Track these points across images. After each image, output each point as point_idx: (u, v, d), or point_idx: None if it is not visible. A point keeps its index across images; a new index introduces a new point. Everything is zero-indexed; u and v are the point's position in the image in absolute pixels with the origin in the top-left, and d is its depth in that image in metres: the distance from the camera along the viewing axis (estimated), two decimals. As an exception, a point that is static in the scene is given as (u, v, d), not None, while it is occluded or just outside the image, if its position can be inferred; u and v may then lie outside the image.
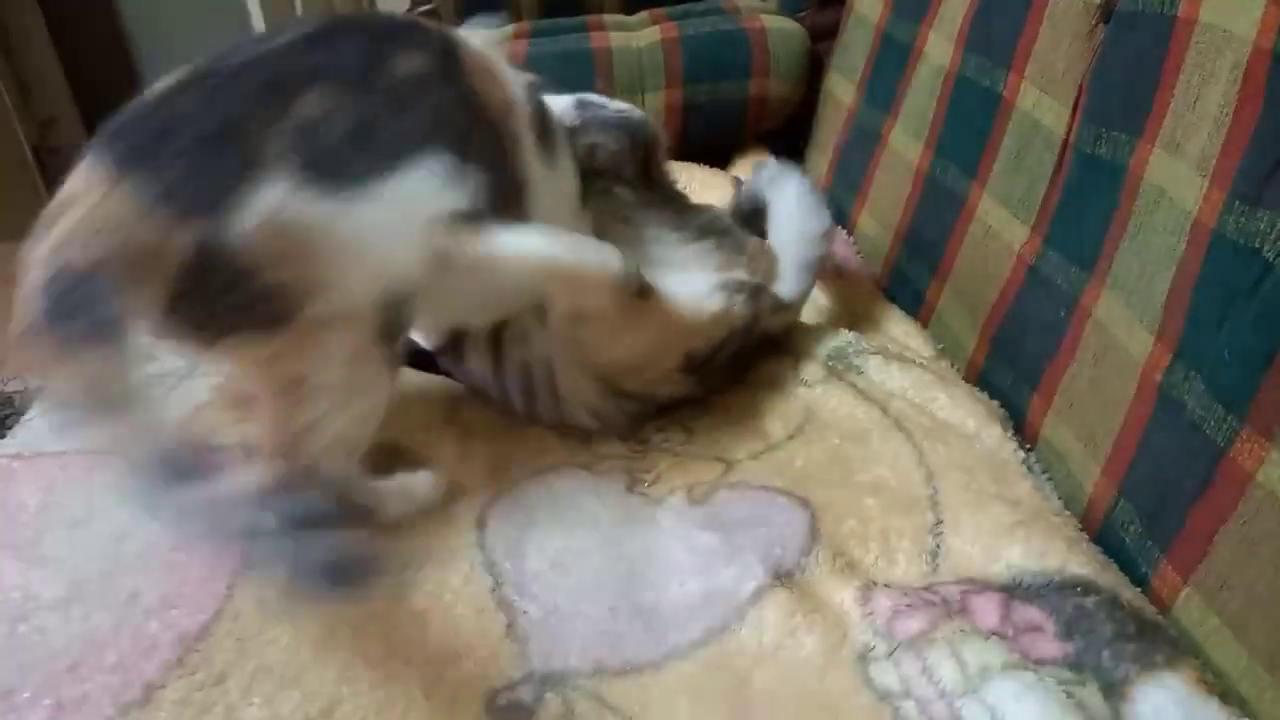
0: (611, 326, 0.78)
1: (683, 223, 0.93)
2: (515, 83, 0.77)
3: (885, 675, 0.60)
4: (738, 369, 0.92)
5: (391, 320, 0.65)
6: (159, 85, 0.63)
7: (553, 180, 0.80)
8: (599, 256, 0.74)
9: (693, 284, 0.85)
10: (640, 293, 0.77)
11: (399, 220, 0.62)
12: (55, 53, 3.63)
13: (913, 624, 0.62)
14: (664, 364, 0.84)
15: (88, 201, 0.57)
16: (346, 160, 0.60)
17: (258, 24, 3.17)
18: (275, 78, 0.62)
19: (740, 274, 0.90)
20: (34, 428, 0.89)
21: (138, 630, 0.65)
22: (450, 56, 0.70)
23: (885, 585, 0.67)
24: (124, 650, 0.64)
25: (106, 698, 0.61)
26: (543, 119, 0.80)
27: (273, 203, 0.58)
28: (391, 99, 0.64)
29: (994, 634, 0.61)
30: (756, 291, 0.89)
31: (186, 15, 4.44)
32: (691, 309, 0.83)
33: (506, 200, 0.71)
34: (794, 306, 0.98)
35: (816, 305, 1.09)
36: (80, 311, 0.55)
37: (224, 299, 0.59)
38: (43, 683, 0.62)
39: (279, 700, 0.60)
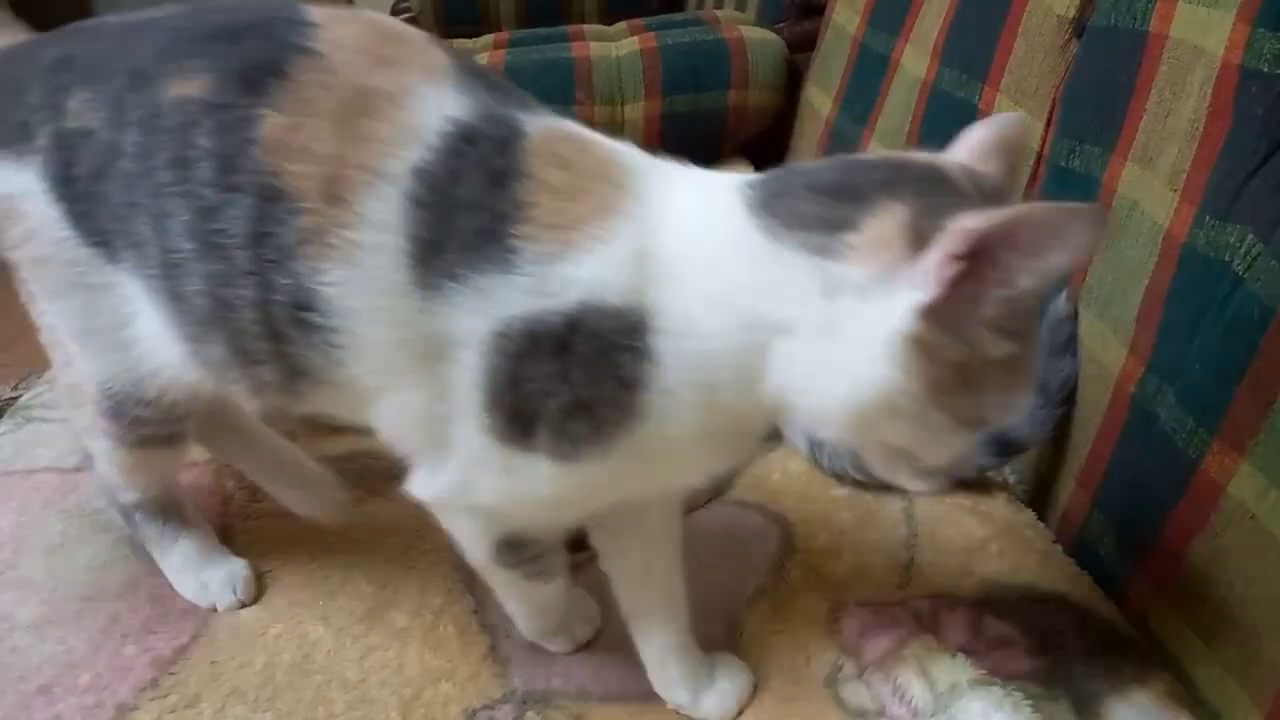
0: None
1: None
2: None
3: (857, 695, 0.60)
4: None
5: None
6: None
7: None
8: None
9: None
10: None
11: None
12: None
13: (882, 642, 0.62)
14: None
15: None
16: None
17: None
18: None
19: None
20: (2, 445, 0.88)
21: (114, 653, 0.65)
22: None
23: (855, 603, 0.67)
24: (98, 672, 0.63)
25: (78, 718, 0.60)
26: None
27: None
28: None
29: (964, 650, 0.61)
30: None
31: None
32: None
33: None
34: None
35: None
36: None
37: None
38: (15, 704, 0.61)
39: (252, 722, 0.60)
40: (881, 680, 0.60)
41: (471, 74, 0.53)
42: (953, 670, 0.58)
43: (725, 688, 0.62)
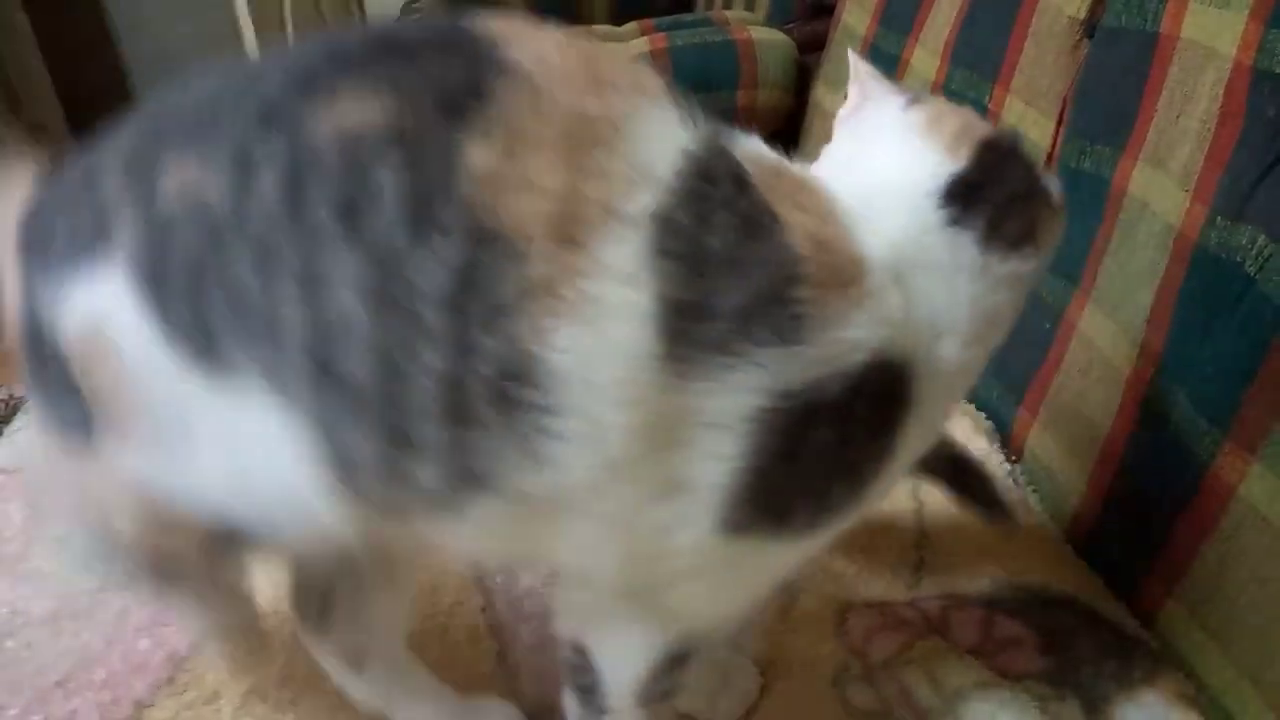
0: None
1: None
2: None
3: (864, 697, 0.60)
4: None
5: None
6: None
7: None
8: None
9: None
10: None
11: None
12: (43, 60, 3.62)
13: (887, 645, 0.62)
14: None
15: None
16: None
17: (247, 31, 3.17)
18: None
19: None
20: (18, 441, 0.89)
21: (128, 648, 0.65)
22: None
23: (864, 604, 0.67)
24: (114, 668, 0.64)
25: (95, 714, 0.61)
26: None
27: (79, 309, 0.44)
28: None
29: (974, 650, 0.61)
30: None
31: (175, 22, 4.45)
32: None
33: None
34: None
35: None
36: None
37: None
38: (31, 699, 0.62)
39: (271, 722, 0.60)
40: (888, 681, 0.60)
41: (679, 93, 0.45)
42: (959, 672, 0.58)
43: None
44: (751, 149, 0.46)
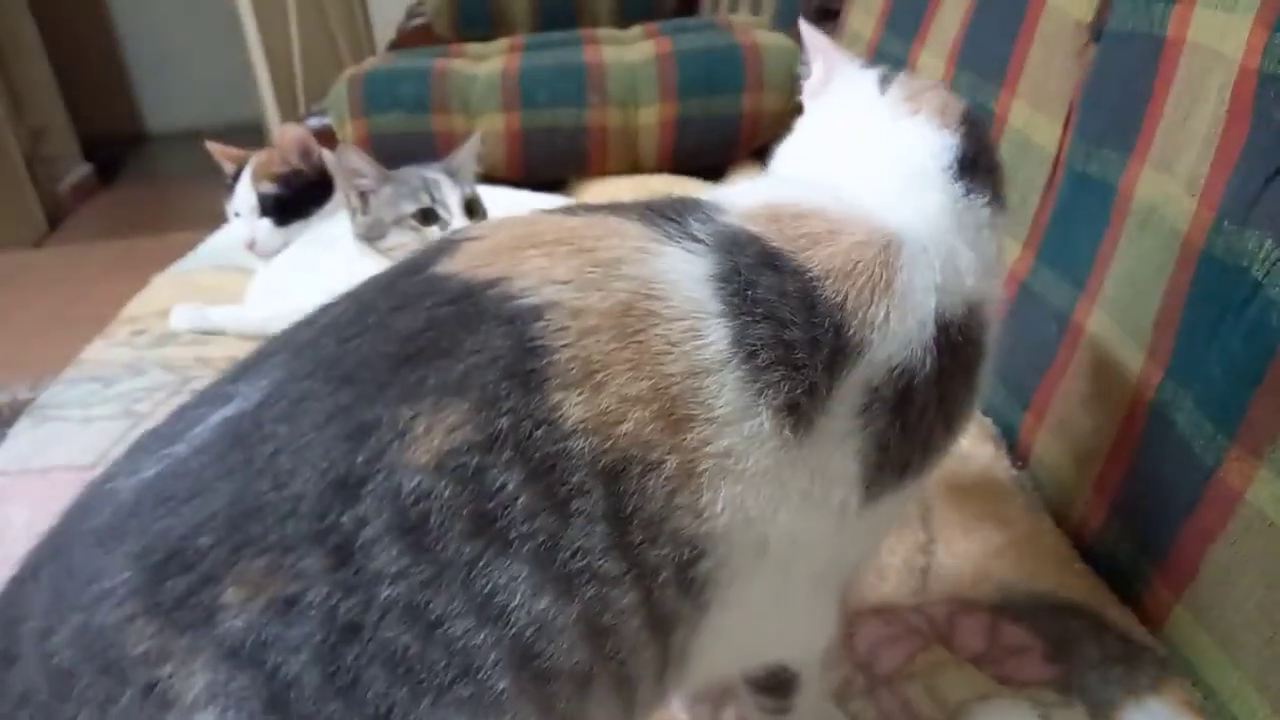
0: None
1: None
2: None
3: (866, 713, 0.60)
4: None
5: None
6: None
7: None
8: None
9: None
10: None
11: None
12: (48, 62, 3.63)
13: (891, 658, 0.62)
14: None
15: None
16: None
17: (250, 33, 3.17)
18: None
19: None
20: (20, 443, 0.89)
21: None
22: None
23: (872, 611, 0.67)
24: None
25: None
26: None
27: None
28: None
29: (980, 656, 0.61)
30: None
31: (179, 26, 4.46)
32: None
33: None
34: None
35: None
36: None
37: None
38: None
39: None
40: (890, 696, 0.60)
41: (652, 214, 0.46)
42: (962, 684, 0.58)
43: None
44: (742, 206, 0.48)
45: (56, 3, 3.88)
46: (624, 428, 0.40)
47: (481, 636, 0.37)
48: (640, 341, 0.41)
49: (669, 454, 0.40)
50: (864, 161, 0.55)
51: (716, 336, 0.42)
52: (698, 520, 0.41)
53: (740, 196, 0.49)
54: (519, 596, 0.38)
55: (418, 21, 2.47)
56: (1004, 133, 0.96)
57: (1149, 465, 0.69)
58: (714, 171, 1.58)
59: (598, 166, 1.57)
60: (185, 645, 0.35)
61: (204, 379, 0.97)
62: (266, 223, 1.19)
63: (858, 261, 0.46)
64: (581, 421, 0.39)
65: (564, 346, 0.39)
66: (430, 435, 0.37)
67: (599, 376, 0.40)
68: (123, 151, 4.31)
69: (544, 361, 0.39)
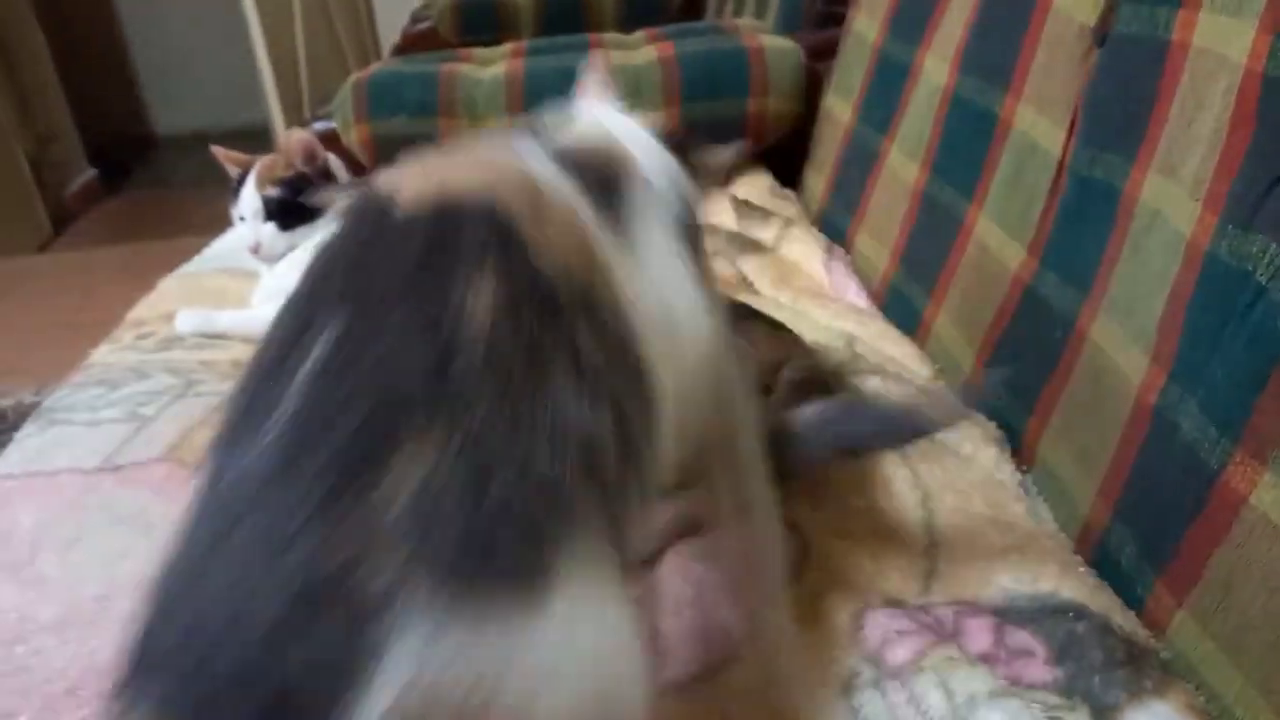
0: None
1: None
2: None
3: (873, 705, 0.60)
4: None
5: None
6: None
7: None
8: None
9: None
10: None
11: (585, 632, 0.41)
12: (55, 68, 3.65)
13: (902, 652, 0.62)
14: None
15: None
16: (484, 564, 0.38)
17: (256, 37, 3.18)
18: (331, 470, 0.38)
19: None
20: (27, 446, 0.89)
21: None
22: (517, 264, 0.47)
23: (883, 604, 0.67)
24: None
25: (106, 720, 0.60)
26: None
27: (408, 675, 0.36)
28: (500, 407, 0.42)
29: (985, 658, 0.61)
30: None
31: (185, 31, 4.48)
32: None
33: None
34: None
35: (815, 325, 1.09)
36: None
37: None
38: (42, 706, 0.62)
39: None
40: (898, 690, 0.60)
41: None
42: (972, 681, 0.58)
43: None
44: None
45: (63, 7, 3.90)
46: (572, 261, 0.49)
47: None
48: (543, 199, 0.51)
49: (595, 273, 0.50)
50: None
51: (570, 189, 0.54)
52: (624, 321, 0.50)
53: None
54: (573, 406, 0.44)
55: (422, 26, 2.48)
56: (1008, 136, 0.96)
57: (1153, 469, 0.69)
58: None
59: (602, 170, 1.57)
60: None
61: (208, 382, 0.98)
62: (271, 227, 1.19)
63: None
64: (551, 263, 0.47)
65: (515, 215, 0.48)
66: (479, 302, 0.43)
67: (541, 230, 0.48)
68: (129, 156, 4.33)
69: (513, 229, 0.47)
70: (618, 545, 0.44)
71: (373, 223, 0.49)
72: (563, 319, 0.46)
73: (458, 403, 0.40)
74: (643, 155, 0.64)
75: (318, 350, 0.41)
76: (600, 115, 0.71)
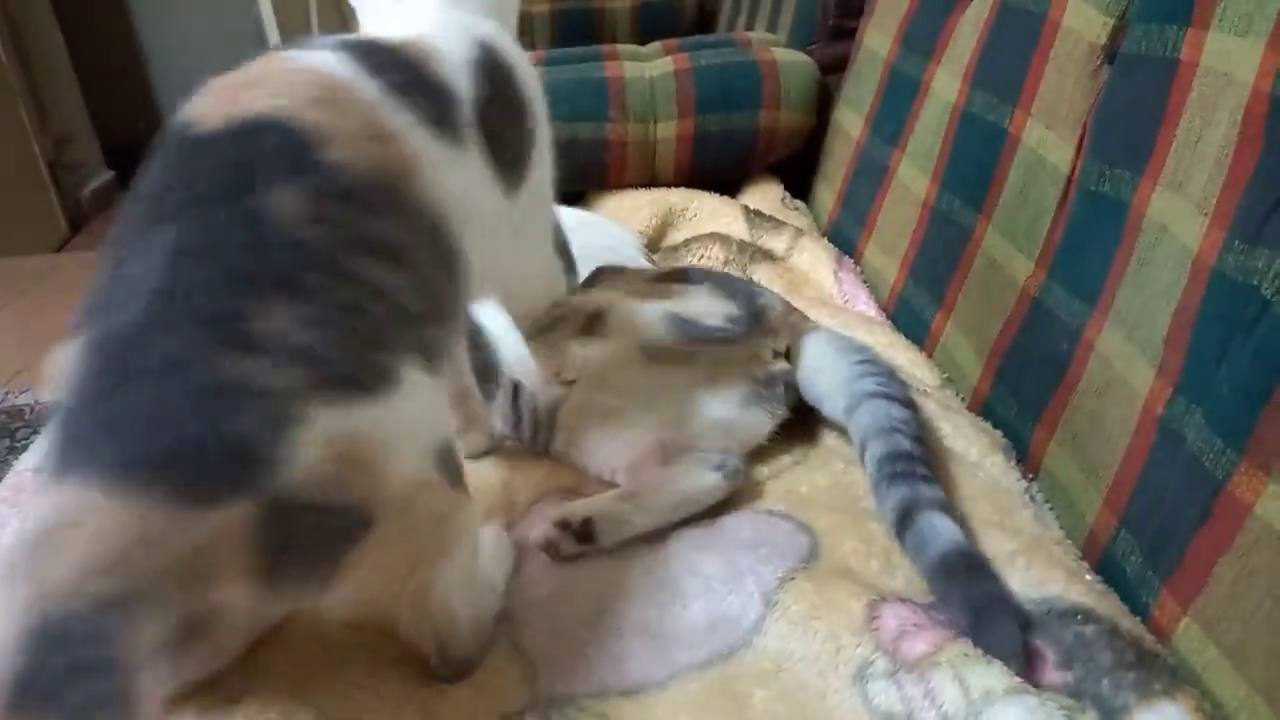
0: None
1: None
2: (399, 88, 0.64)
3: (886, 696, 0.61)
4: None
5: (448, 461, 0.61)
6: (69, 372, 0.51)
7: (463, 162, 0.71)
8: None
9: None
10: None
11: (421, 406, 0.58)
12: (72, 70, 3.68)
13: (918, 645, 0.63)
14: None
15: (85, 532, 0.45)
16: (350, 368, 0.53)
17: (272, 42, 3.22)
18: (202, 312, 0.51)
19: None
20: (38, 449, 0.91)
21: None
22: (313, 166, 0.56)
23: (898, 599, 0.68)
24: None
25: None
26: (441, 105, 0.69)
27: (319, 434, 0.50)
28: (335, 287, 0.54)
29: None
30: None
31: (202, 35, 4.51)
32: None
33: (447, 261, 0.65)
34: None
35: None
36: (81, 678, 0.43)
37: (315, 536, 0.52)
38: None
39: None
40: (914, 683, 0.61)
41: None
42: (988, 677, 0.59)
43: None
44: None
45: (81, 10, 3.93)
46: (364, 152, 0.58)
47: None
48: (337, 100, 0.59)
49: (392, 161, 0.60)
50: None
51: (370, 86, 0.62)
52: (429, 204, 0.61)
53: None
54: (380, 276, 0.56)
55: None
56: (1017, 151, 0.98)
57: (1159, 479, 0.70)
58: (731, 185, 1.60)
59: (616, 179, 1.59)
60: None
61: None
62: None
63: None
64: (343, 159, 0.56)
65: (301, 123, 0.56)
66: (288, 205, 0.54)
67: (331, 130, 0.57)
68: (146, 158, 4.35)
69: (300, 137, 0.56)
70: (429, 355, 0.59)
71: (176, 148, 0.57)
72: (357, 205, 0.57)
73: (288, 274, 0.52)
74: (452, 50, 0.71)
75: (159, 252, 0.51)
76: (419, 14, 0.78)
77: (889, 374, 0.87)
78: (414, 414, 0.57)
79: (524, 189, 0.77)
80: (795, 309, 0.97)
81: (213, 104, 0.58)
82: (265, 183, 0.54)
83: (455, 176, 0.65)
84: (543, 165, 0.82)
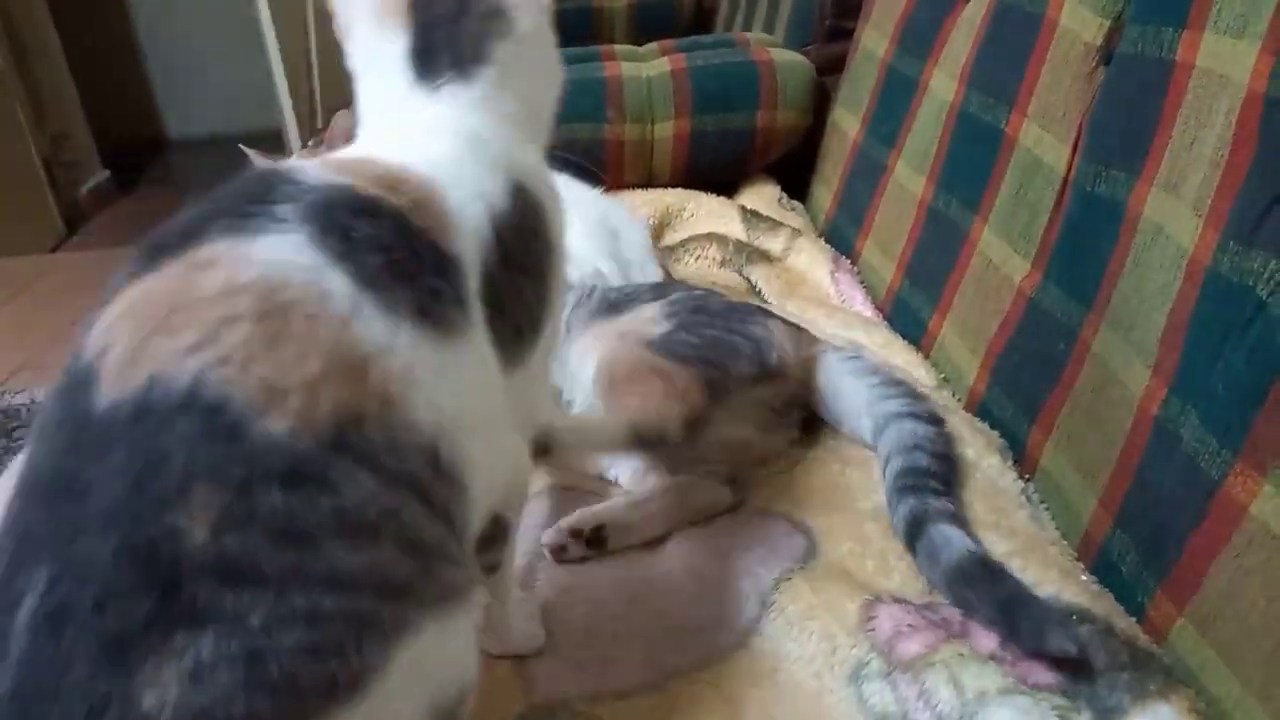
0: None
1: None
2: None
3: (881, 696, 0.61)
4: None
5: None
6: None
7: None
8: None
9: None
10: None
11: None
12: (69, 69, 3.68)
13: (913, 646, 0.63)
14: None
15: None
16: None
17: (270, 41, 3.21)
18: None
19: None
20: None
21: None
22: None
23: (893, 599, 0.68)
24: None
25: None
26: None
27: None
28: None
29: (993, 658, 0.62)
30: None
31: (200, 34, 4.51)
32: None
33: None
34: None
35: (821, 333, 1.10)
36: None
37: None
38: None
39: None
40: (909, 683, 0.61)
41: (235, 215, 0.49)
42: (982, 677, 0.59)
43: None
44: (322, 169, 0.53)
45: (79, 9, 3.93)
46: (325, 406, 0.43)
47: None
48: (289, 333, 0.44)
49: (368, 399, 0.44)
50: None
51: (339, 284, 0.46)
52: (416, 431, 0.46)
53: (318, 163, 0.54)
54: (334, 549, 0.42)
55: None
56: (1014, 152, 0.98)
57: (1154, 479, 0.70)
58: (728, 186, 1.60)
59: (614, 180, 1.59)
60: None
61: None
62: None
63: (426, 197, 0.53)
64: (291, 429, 0.42)
65: (235, 389, 0.42)
66: (201, 522, 0.40)
67: (279, 387, 0.42)
68: (142, 158, 4.35)
69: (232, 413, 0.41)
70: (443, 596, 0.47)
71: (74, 419, 0.43)
72: (311, 484, 0.42)
73: (195, 620, 0.39)
74: (468, 199, 0.56)
75: (27, 612, 0.39)
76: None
77: (911, 392, 0.88)
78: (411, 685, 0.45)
79: (529, 363, 0.60)
80: (802, 331, 0.97)
81: (122, 352, 0.43)
82: (181, 490, 0.40)
83: (451, 378, 0.50)
84: (554, 321, 0.65)
